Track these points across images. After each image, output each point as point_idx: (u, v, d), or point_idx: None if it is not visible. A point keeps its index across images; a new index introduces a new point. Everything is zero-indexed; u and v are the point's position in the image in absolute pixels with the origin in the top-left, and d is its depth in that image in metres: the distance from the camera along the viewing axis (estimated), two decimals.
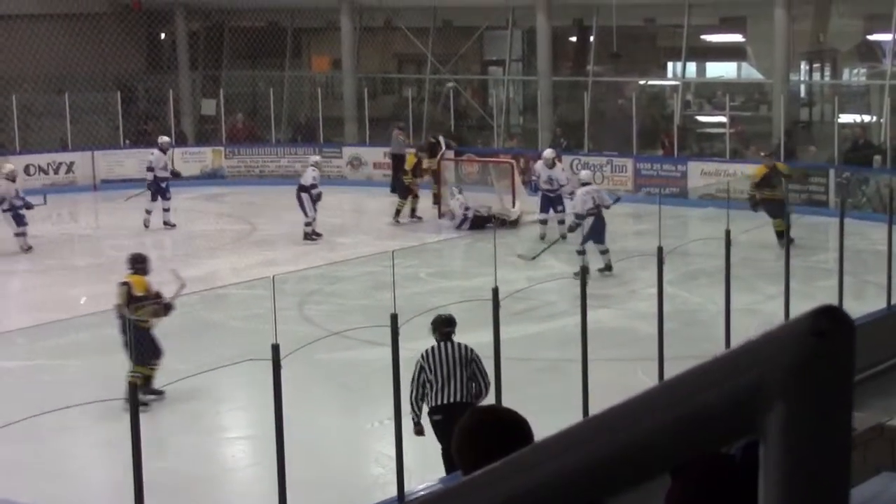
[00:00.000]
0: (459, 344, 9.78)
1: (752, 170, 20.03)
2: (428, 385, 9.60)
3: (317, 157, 22.56)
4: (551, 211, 20.05)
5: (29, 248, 19.87)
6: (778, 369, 1.00)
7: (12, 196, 19.96)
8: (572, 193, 19.77)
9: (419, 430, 9.62)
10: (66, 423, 10.29)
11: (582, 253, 16.73)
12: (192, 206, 23.65)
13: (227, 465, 11.56)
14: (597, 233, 17.27)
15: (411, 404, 9.58)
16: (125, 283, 12.58)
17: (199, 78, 30.73)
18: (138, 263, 12.78)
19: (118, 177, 26.53)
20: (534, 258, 18.24)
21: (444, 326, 9.86)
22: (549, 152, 20.88)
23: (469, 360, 9.68)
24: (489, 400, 9.60)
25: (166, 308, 12.34)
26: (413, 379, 9.59)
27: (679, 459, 1.09)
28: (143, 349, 12.05)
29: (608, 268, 17.15)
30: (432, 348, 9.74)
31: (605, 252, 17.22)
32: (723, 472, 3.79)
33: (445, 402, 9.53)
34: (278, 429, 8.60)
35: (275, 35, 30.18)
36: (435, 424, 9.59)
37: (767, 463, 1.02)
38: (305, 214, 20.78)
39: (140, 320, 12.08)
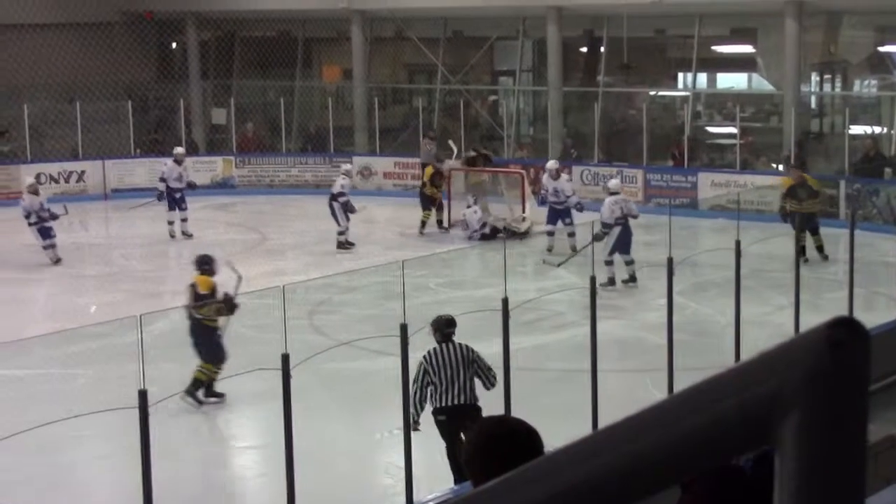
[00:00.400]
0: (460, 344, 9.92)
1: (780, 180, 20.04)
2: (432, 387, 9.70)
3: (348, 166, 22.34)
4: (559, 223, 19.90)
5: (58, 260, 19.80)
6: (795, 379, 1.00)
7: (37, 209, 19.89)
8: (578, 204, 19.74)
9: (415, 428, 9.68)
10: (76, 431, 10.29)
11: (609, 263, 16.68)
12: (202, 216, 23.67)
13: (236, 474, 11.57)
14: (623, 243, 17.09)
15: (413, 404, 9.63)
16: (192, 285, 12.78)
17: (210, 87, 30.78)
18: (204, 264, 13.01)
19: (129, 186, 26.56)
20: (559, 265, 18.19)
21: (446, 327, 9.97)
22: (552, 164, 20.57)
23: (471, 360, 9.84)
24: (498, 410, 9.60)
25: (229, 305, 12.39)
26: (415, 380, 9.67)
27: (693, 469, 1.09)
28: (211, 349, 12.20)
29: (632, 279, 17.02)
30: (435, 350, 9.85)
31: (630, 263, 17.06)
32: (733, 483, 3.79)
33: (450, 403, 9.70)
34: (287, 438, 8.60)
35: (286, 45, 30.22)
36: (439, 424, 9.77)
37: (782, 472, 1.01)
38: (338, 223, 20.65)
39: (206, 319, 12.25)
